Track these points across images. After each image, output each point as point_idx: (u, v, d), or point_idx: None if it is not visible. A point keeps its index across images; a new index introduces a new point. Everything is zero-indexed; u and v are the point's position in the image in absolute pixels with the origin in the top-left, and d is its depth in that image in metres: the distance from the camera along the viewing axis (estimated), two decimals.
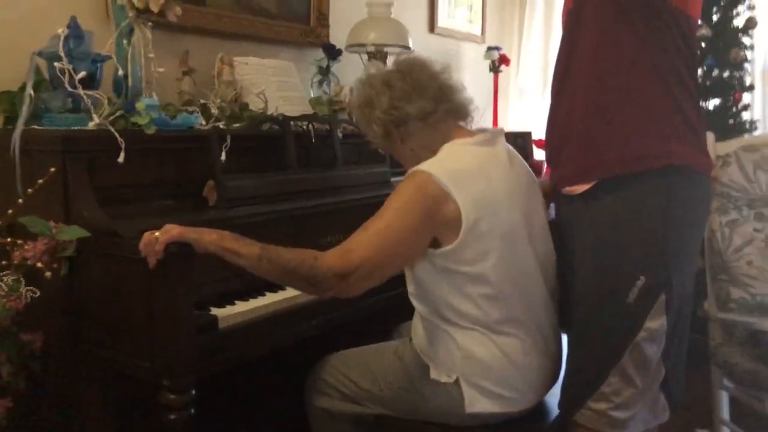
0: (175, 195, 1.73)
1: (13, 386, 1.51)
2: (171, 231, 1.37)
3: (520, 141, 3.49)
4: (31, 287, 1.48)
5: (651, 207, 1.49)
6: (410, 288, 1.61)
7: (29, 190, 1.49)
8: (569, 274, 1.64)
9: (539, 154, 3.61)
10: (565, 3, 1.67)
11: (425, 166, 1.51)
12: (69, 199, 1.50)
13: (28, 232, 1.50)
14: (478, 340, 1.52)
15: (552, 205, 1.82)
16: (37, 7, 1.87)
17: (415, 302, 1.62)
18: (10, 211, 1.52)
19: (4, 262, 1.51)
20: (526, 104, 4.10)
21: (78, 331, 1.52)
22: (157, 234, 1.36)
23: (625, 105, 1.52)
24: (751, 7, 3.30)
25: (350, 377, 1.65)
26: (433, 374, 1.57)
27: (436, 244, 1.49)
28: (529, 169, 1.69)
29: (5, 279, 1.49)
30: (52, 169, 1.48)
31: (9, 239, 1.52)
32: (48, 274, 1.41)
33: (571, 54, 1.60)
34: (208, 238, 1.41)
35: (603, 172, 1.53)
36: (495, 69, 3.67)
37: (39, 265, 1.41)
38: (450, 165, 1.51)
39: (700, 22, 1.72)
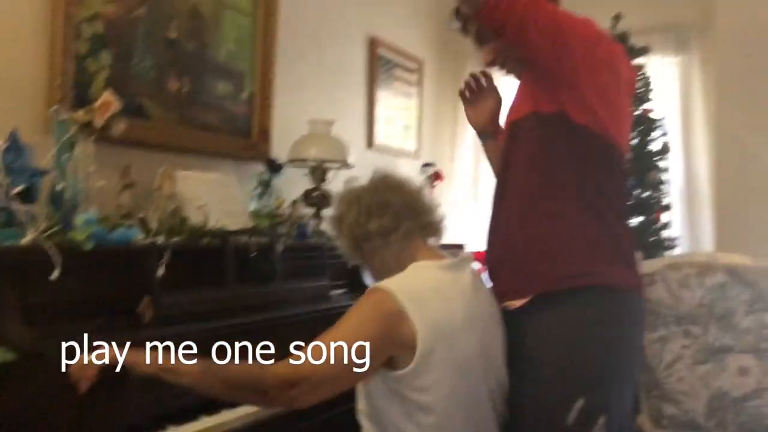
0: (111, 311, 1.67)
1: None
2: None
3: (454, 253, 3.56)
4: None
5: (584, 327, 1.52)
6: (360, 405, 1.57)
7: None
8: (511, 393, 1.62)
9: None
10: (506, 117, 1.76)
11: (385, 283, 1.50)
12: None
13: None
14: None
15: None
16: None
17: (364, 421, 1.57)
18: None
19: None
20: (458, 216, 4.21)
21: None
22: (90, 357, 1.30)
23: (553, 228, 1.59)
24: (664, 134, 3.56)
25: None
26: None
27: (392, 364, 1.46)
28: (494, 299, 1.64)
29: None
30: None
31: None
32: None
33: (506, 171, 1.69)
34: (143, 359, 1.35)
35: (535, 288, 1.58)
36: (430, 184, 3.79)
37: None
38: (410, 286, 1.50)
39: None
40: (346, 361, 1.40)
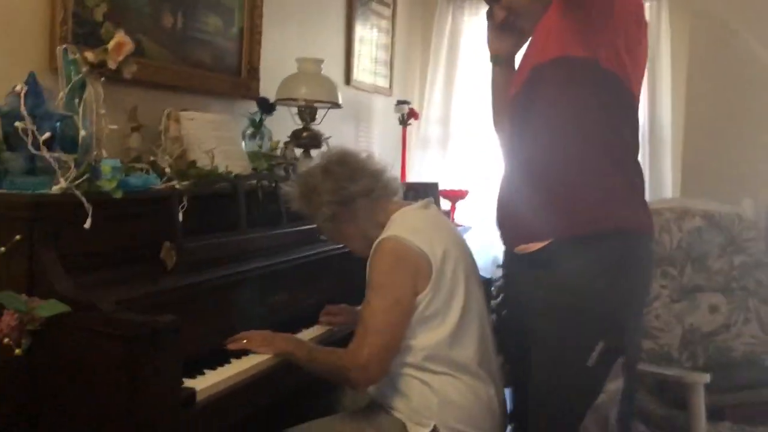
0: (135, 260, 1.66)
1: None
2: (274, 344, 1.70)
3: (429, 191, 3.63)
4: None
5: (606, 272, 1.56)
6: None
7: None
8: (522, 336, 1.71)
9: (444, 205, 3.77)
10: (524, 61, 1.75)
11: (385, 234, 1.67)
12: (35, 269, 1.40)
13: None
14: (451, 384, 1.63)
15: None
16: None
17: None
18: None
19: None
20: (429, 155, 4.26)
21: (36, 411, 1.41)
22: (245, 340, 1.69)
23: (574, 172, 1.61)
24: None
25: None
26: (412, 430, 1.61)
27: (415, 294, 1.63)
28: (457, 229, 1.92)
29: None
30: (17, 237, 1.39)
31: None
32: (18, 351, 1.31)
33: (526, 114, 1.68)
34: (286, 347, 1.70)
35: (555, 231, 1.61)
36: (404, 122, 3.81)
37: (6, 341, 1.31)
38: (405, 226, 1.70)
39: None
40: (395, 323, 1.60)
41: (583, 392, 1.59)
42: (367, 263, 1.69)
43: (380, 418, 1.67)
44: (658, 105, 3.81)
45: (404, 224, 1.71)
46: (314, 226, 2.30)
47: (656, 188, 3.75)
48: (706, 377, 2.07)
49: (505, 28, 1.80)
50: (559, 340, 1.59)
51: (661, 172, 3.78)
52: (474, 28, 4.18)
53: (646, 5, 3.84)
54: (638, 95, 1.71)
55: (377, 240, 1.68)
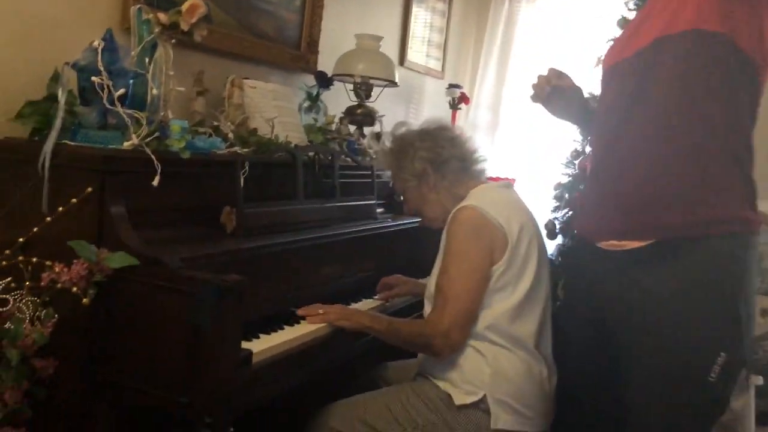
0: (196, 220, 1.69)
1: (20, 414, 1.42)
2: (351, 318, 1.71)
3: None
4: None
5: (729, 278, 1.40)
6: (427, 291, 1.76)
7: (59, 208, 1.42)
8: (612, 349, 1.55)
9: None
10: (625, 45, 1.58)
11: (464, 204, 1.70)
12: (104, 221, 1.43)
13: (42, 251, 1.43)
14: (507, 357, 1.64)
15: None
16: (55, 15, 1.77)
17: (427, 305, 1.75)
18: (36, 229, 1.44)
19: (12, 284, 1.43)
20: (477, 141, 4.22)
21: (98, 360, 1.44)
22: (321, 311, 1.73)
23: (692, 164, 1.42)
24: None
25: (366, 421, 1.65)
26: (458, 400, 1.62)
27: (491, 264, 1.66)
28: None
29: (24, 301, 1.41)
30: (89, 189, 1.41)
31: (21, 258, 1.44)
32: (86, 300, 1.34)
33: (636, 101, 1.49)
34: (361, 319, 1.72)
35: (663, 232, 1.44)
36: (455, 106, 3.79)
37: (74, 290, 1.34)
38: (484, 199, 1.72)
39: None
40: (473, 289, 1.61)
41: (706, 411, 1.44)
42: (444, 232, 1.73)
43: (426, 390, 1.67)
44: None
45: (483, 197, 1.73)
46: (366, 201, 2.34)
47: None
48: (758, 379, 2.03)
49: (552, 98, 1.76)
50: (672, 352, 1.42)
51: None
52: (530, 16, 4.13)
53: None
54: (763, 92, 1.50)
55: (455, 208, 1.71)
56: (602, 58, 1.73)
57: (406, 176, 1.86)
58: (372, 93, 2.76)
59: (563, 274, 2.31)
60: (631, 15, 2.60)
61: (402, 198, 1.99)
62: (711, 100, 1.41)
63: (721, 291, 1.40)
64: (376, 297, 2.06)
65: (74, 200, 1.41)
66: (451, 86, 3.80)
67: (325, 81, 2.60)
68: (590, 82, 2.17)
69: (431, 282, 1.74)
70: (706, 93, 1.42)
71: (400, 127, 1.94)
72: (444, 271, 1.65)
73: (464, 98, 3.80)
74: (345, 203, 2.20)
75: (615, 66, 1.60)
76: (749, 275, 1.43)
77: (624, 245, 1.51)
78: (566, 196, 2.90)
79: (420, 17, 3.68)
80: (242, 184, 1.75)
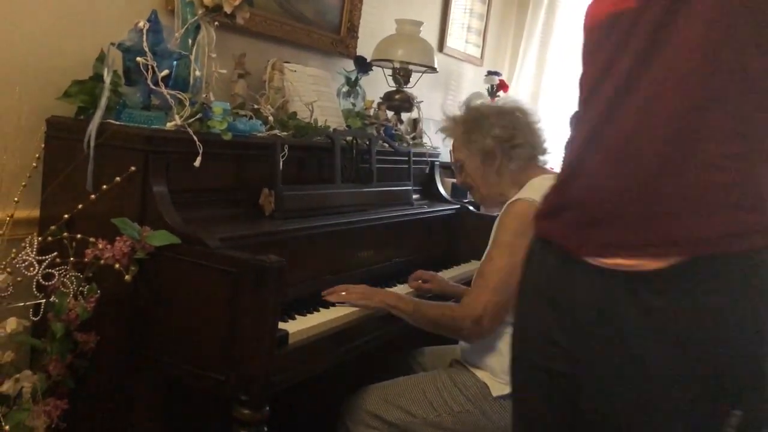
0: (234, 202, 1.71)
1: (63, 385, 1.46)
2: (373, 298, 1.71)
3: None
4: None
5: (757, 308, 0.99)
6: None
7: (104, 186, 1.45)
8: (600, 397, 1.09)
9: None
10: None
11: (521, 196, 1.67)
12: (147, 200, 1.45)
13: (86, 228, 1.46)
14: None
15: None
16: None
17: None
18: (80, 206, 1.47)
19: (57, 259, 1.46)
20: None
21: (137, 336, 1.48)
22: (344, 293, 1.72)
23: (732, 153, 0.98)
24: None
25: (401, 405, 1.66)
26: (495, 390, 1.62)
27: None
28: None
29: (68, 276, 1.45)
30: (132, 168, 1.44)
31: (66, 234, 1.47)
32: (128, 277, 1.37)
33: (647, 59, 1.01)
34: (385, 299, 1.72)
35: (697, 245, 0.99)
36: (493, 93, 3.75)
37: (117, 266, 1.37)
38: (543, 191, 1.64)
39: None
40: (513, 286, 1.48)
41: None
42: (497, 219, 1.71)
43: (463, 377, 1.68)
44: None
45: (540, 191, 1.54)
46: (403, 187, 2.34)
47: None
48: None
49: None
50: (677, 404, 1.03)
51: None
52: (571, 5, 4.07)
53: None
54: None
55: (511, 199, 1.70)
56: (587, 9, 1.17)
57: (471, 149, 1.82)
58: (411, 79, 2.75)
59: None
60: None
61: (456, 167, 1.95)
62: (752, 65, 0.97)
63: (752, 328, 1.00)
64: (407, 285, 2.05)
65: (118, 179, 1.43)
66: (490, 73, 3.77)
67: (364, 66, 2.60)
68: None
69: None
70: (748, 56, 0.97)
71: (475, 98, 1.92)
72: (489, 259, 1.65)
73: (503, 85, 3.77)
74: (382, 188, 2.21)
75: (618, 16, 1.06)
76: None
77: (637, 265, 1.02)
78: None
79: (460, 3, 3.65)
80: (281, 167, 1.77)
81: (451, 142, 1.93)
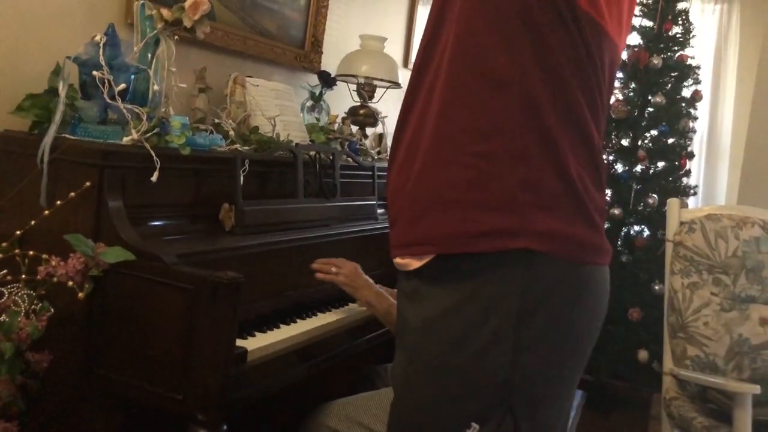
0: (194, 217, 1.69)
1: (13, 407, 1.42)
2: (358, 288, 1.75)
3: None
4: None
5: (500, 314, 0.96)
6: None
7: (58, 202, 1.42)
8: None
9: None
10: None
11: None
12: (101, 216, 1.43)
13: (40, 244, 1.43)
14: None
15: None
16: (58, 9, 1.77)
17: None
18: (33, 222, 1.44)
19: (8, 276, 1.43)
20: None
21: (92, 355, 1.44)
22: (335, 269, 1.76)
23: (481, 142, 0.97)
24: (696, 81, 3.56)
25: (362, 422, 1.65)
26: None
27: None
28: None
29: (19, 294, 1.41)
30: (87, 183, 1.41)
31: (18, 251, 1.44)
32: (81, 294, 1.34)
33: (427, 56, 1.11)
34: (369, 296, 1.75)
35: (438, 244, 1.00)
36: None
37: (70, 284, 1.34)
38: None
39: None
40: None
41: None
42: None
43: None
44: (720, 111, 3.72)
45: None
46: (367, 202, 2.33)
47: (709, 195, 3.68)
48: (756, 388, 2.02)
49: None
50: (413, 413, 1.01)
51: (716, 179, 3.71)
52: None
53: (716, 7, 3.75)
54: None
55: None
56: None
57: None
58: (375, 94, 2.76)
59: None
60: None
61: None
62: (505, 51, 0.99)
63: (492, 333, 0.97)
64: None
65: (72, 194, 1.40)
66: None
67: (328, 81, 2.60)
68: None
69: None
70: (500, 42, 0.99)
71: None
72: None
73: None
74: (345, 203, 2.20)
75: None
76: (544, 311, 0.98)
77: (405, 264, 1.08)
78: None
79: (425, 19, 3.67)
80: (242, 181, 1.75)
81: None
